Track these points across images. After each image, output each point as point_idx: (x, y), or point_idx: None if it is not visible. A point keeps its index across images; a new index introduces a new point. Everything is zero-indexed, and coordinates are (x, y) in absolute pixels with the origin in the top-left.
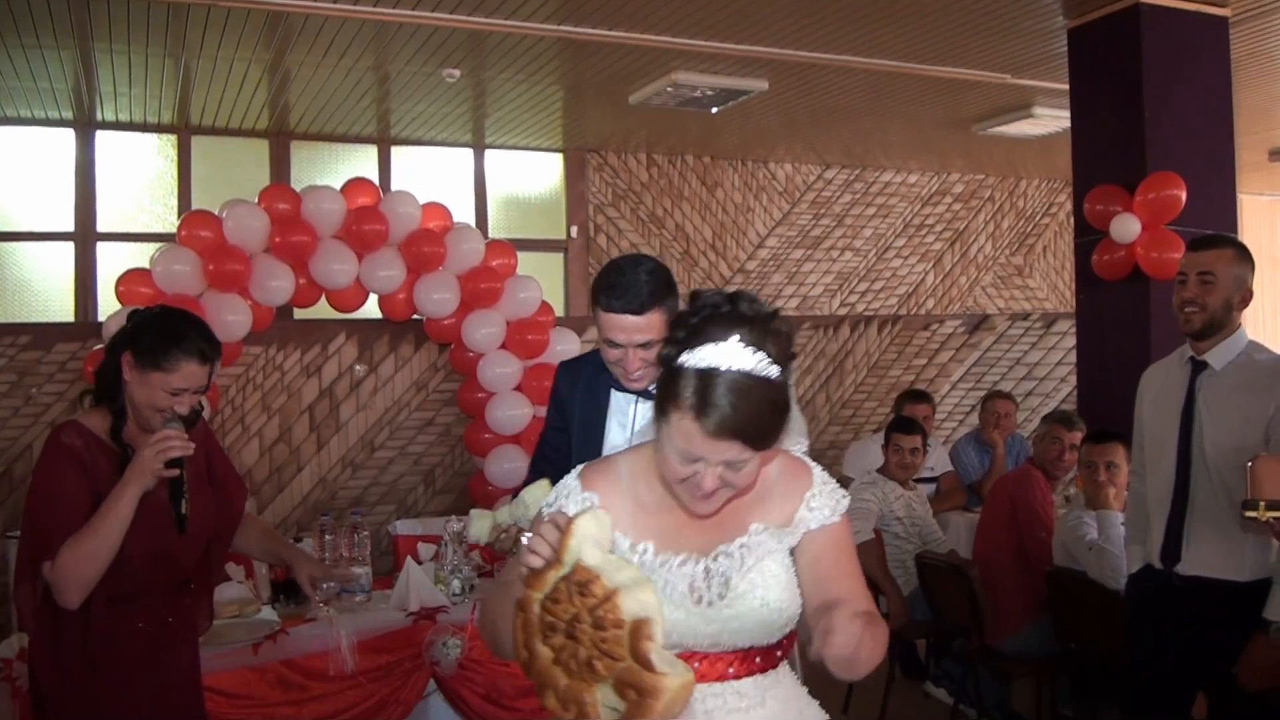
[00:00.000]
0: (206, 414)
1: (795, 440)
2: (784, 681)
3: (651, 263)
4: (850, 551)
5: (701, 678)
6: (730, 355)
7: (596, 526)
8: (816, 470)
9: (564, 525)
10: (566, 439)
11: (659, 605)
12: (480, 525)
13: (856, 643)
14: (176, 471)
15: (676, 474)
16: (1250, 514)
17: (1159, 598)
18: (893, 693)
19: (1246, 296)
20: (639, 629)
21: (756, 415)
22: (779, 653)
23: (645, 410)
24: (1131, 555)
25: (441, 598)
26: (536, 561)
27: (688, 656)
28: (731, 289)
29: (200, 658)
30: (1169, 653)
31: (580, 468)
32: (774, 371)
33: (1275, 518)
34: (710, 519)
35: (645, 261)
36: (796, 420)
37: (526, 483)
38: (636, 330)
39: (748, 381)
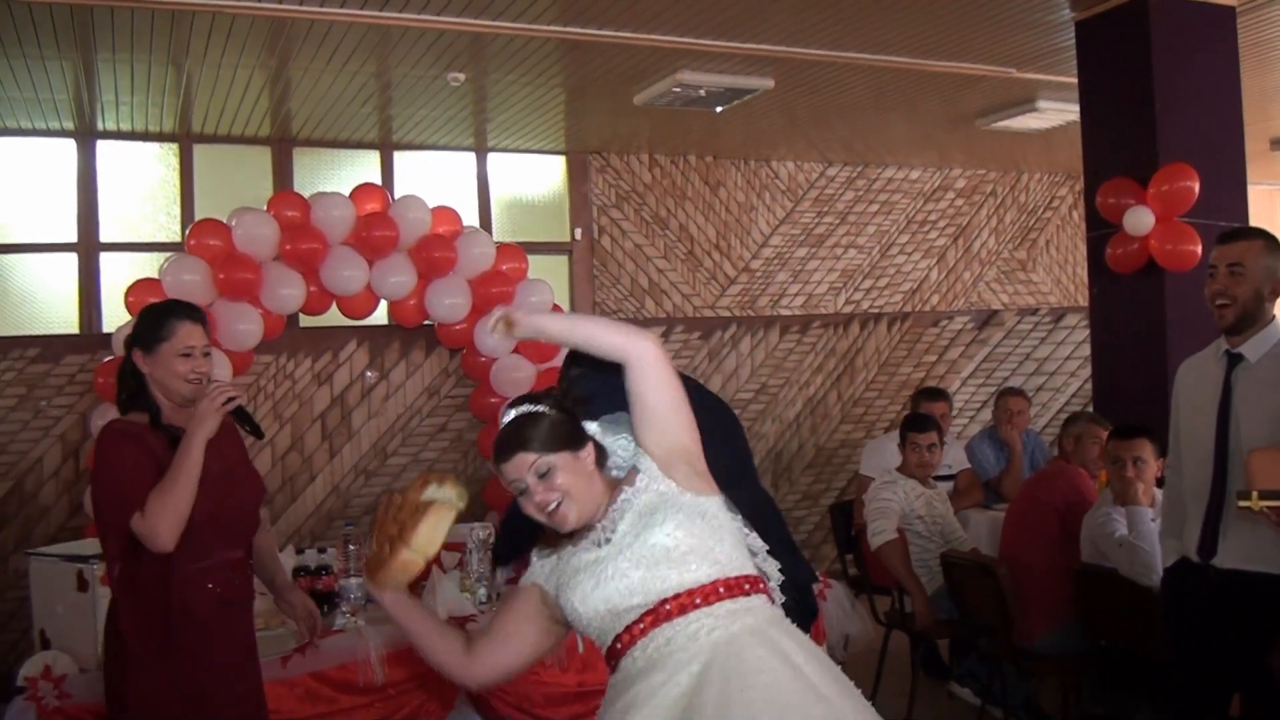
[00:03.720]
0: None
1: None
2: (762, 610)
3: None
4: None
5: (680, 612)
6: (508, 414)
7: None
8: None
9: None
10: None
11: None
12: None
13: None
14: (236, 404)
15: (531, 512)
16: (1244, 504)
17: (1196, 592)
18: (918, 693)
19: (1277, 287)
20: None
21: (521, 429)
22: (746, 585)
23: None
24: (1167, 549)
25: (469, 606)
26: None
27: (660, 603)
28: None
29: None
30: (1207, 647)
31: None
32: (540, 408)
33: (1269, 507)
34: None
35: None
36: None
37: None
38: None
39: (519, 416)
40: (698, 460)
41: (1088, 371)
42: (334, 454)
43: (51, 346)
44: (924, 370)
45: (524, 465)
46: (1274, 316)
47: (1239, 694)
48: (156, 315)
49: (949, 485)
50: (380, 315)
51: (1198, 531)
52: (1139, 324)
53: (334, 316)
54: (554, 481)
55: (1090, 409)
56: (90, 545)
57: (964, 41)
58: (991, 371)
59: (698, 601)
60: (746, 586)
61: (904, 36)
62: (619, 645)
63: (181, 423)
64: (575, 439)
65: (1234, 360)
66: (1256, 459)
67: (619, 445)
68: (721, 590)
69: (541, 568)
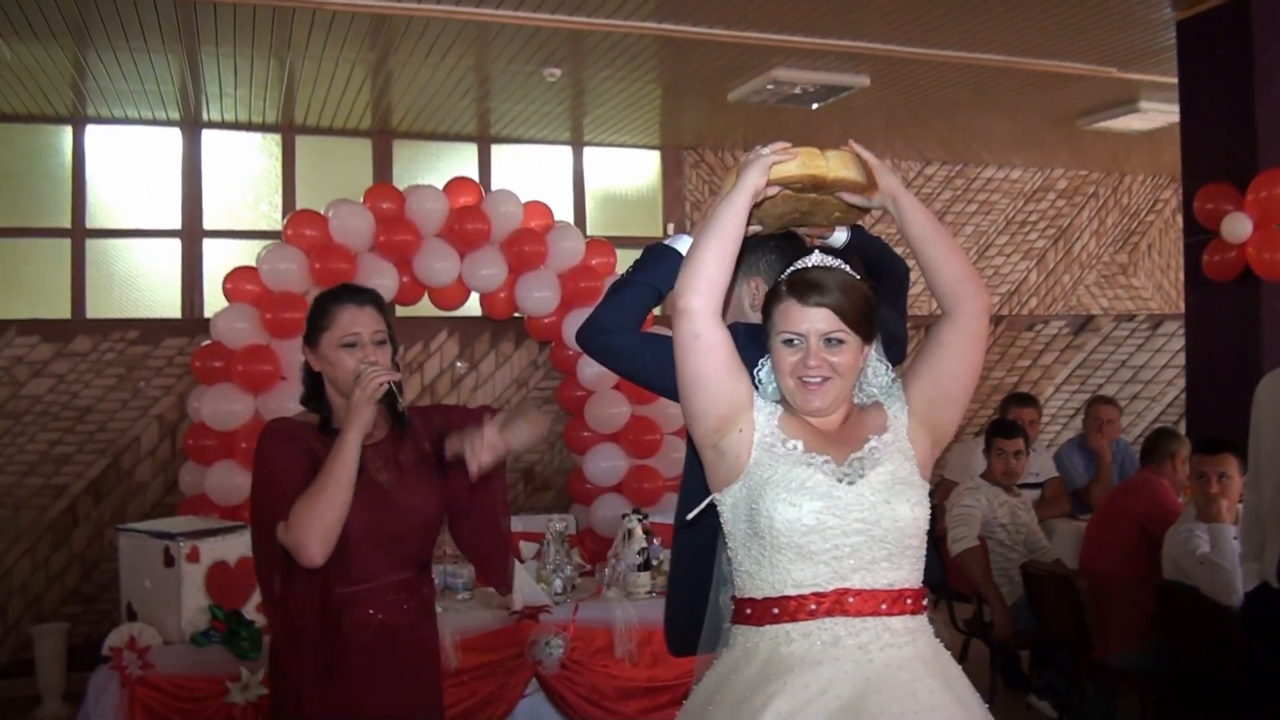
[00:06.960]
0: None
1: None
2: (929, 631)
3: None
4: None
5: (857, 612)
6: (814, 258)
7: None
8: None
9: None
10: None
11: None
12: None
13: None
14: (386, 388)
15: (787, 366)
16: None
17: (1277, 618)
18: (996, 705)
19: None
20: None
21: (842, 290)
22: (924, 600)
23: None
24: (1247, 572)
25: (544, 597)
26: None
27: (842, 592)
28: None
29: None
30: None
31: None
32: (857, 277)
33: None
34: (838, 437)
35: None
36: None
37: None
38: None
39: (832, 268)
40: (940, 447)
41: (1184, 381)
42: None
43: (152, 329)
44: (1017, 375)
45: (820, 320)
46: None
47: None
48: (319, 303)
49: (1035, 493)
50: (472, 307)
51: (1277, 556)
52: (1234, 334)
53: (426, 307)
54: (837, 356)
55: (1183, 421)
56: (180, 523)
57: (1064, 40)
58: (1086, 378)
59: (883, 607)
60: (925, 603)
61: (1002, 34)
62: (774, 609)
63: None
64: (870, 330)
65: None
66: None
67: (880, 371)
68: (909, 602)
69: (769, 415)
